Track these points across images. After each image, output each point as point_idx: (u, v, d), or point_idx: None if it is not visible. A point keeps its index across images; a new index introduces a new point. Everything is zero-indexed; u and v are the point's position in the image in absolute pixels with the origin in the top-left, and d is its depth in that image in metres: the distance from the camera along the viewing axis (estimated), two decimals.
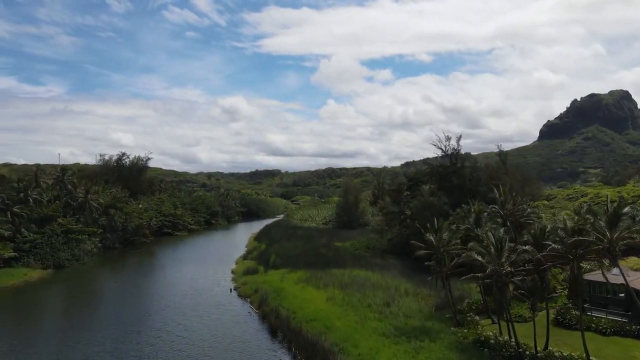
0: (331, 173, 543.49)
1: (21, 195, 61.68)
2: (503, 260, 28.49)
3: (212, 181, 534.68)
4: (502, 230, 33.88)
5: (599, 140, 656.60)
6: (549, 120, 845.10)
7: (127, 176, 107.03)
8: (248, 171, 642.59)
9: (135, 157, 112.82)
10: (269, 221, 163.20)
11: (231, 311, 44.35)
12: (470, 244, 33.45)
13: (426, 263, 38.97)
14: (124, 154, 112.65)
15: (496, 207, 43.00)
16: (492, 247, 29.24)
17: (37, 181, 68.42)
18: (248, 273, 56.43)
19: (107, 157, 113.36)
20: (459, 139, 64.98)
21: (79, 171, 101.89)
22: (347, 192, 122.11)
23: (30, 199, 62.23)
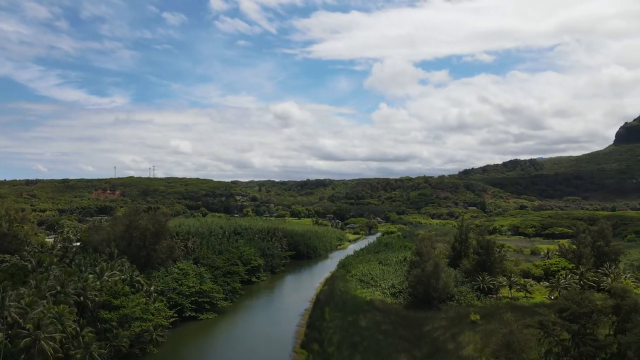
0: (385, 185, 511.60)
1: None
2: None
3: (262, 193, 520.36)
4: None
5: None
6: (626, 122, 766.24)
7: (140, 245, 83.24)
8: (299, 179, 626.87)
9: (152, 215, 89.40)
10: (321, 270, 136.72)
11: None
12: None
13: None
14: (138, 211, 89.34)
15: None
16: None
17: None
18: None
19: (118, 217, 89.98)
20: None
21: (82, 239, 79.80)
22: (423, 257, 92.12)
23: None
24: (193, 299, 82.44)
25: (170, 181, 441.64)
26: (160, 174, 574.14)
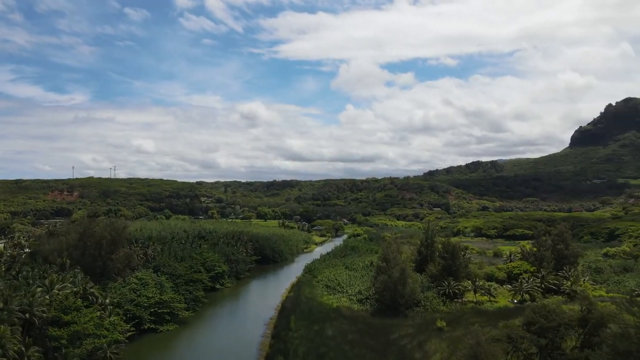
0: (352, 186, 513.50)
1: None
2: None
3: (228, 195, 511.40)
4: None
5: (638, 148, 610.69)
6: (581, 126, 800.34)
7: (95, 254, 78.54)
8: (266, 180, 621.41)
9: (109, 221, 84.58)
10: (287, 275, 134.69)
11: None
12: None
13: None
14: (94, 215, 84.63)
15: None
16: None
17: None
18: None
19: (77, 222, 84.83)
20: None
21: (32, 247, 74.51)
22: (390, 262, 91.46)
23: None
24: (152, 310, 78.60)
25: (132, 182, 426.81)
26: (122, 174, 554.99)
